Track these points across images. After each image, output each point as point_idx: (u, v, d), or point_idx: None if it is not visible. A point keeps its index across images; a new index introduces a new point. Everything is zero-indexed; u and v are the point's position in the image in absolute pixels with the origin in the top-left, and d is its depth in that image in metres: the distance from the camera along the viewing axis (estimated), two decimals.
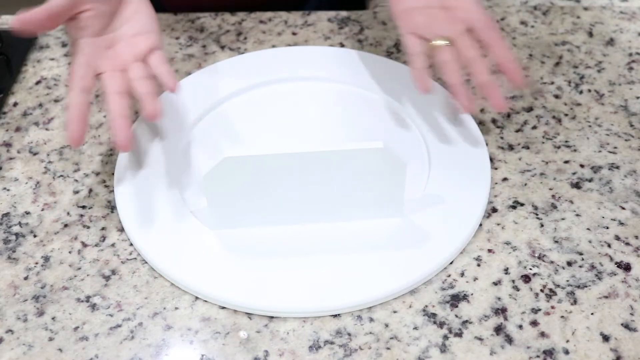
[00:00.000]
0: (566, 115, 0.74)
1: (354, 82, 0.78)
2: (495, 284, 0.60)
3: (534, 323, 0.57)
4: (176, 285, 0.60)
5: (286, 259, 0.61)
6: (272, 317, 0.58)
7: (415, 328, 0.57)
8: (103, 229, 0.65)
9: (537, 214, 0.65)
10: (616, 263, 0.61)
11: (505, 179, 0.68)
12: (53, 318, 0.59)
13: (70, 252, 0.63)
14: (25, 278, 0.62)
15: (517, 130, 0.73)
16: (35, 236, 0.65)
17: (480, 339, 0.57)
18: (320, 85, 0.78)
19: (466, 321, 0.58)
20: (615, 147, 0.71)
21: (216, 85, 0.77)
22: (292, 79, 0.78)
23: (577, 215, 0.65)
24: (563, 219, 0.65)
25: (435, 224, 0.63)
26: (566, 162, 0.70)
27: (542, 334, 0.57)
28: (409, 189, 0.63)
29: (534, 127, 0.73)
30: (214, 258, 0.61)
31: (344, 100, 0.76)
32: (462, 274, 0.61)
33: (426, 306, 0.59)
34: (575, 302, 0.59)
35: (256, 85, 0.77)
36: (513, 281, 0.60)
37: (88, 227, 0.65)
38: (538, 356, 0.55)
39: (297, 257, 0.61)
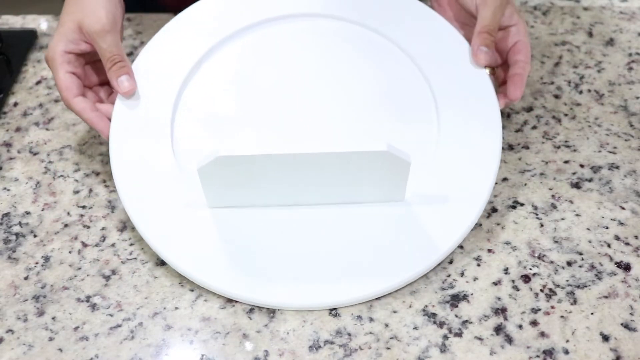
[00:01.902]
0: (566, 115, 0.74)
1: (364, 21, 0.72)
2: (495, 284, 0.60)
3: (534, 323, 0.58)
4: (174, 278, 0.60)
5: (285, 254, 0.61)
6: (272, 317, 0.58)
7: (415, 328, 0.57)
8: (103, 229, 0.65)
9: (537, 214, 0.65)
10: (616, 263, 0.61)
11: (505, 179, 0.68)
12: (53, 318, 0.59)
13: (70, 252, 0.63)
14: (26, 278, 0.62)
15: (517, 130, 0.73)
16: (35, 236, 0.65)
17: (480, 338, 0.57)
18: (325, 24, 0.72)
19: (466, 321, 0.58)
20: (615, 147, 0.71)
21: (200, 35, 0.71)
22: (288, 16, 0.72)
23: (577, 215, 0.65)
24: (563, 218, 0.65)
25: (435, 217, 0.62)
26: (566, 162, 0.70)
27: (542, 334, 0.57)
28: (412, 171, 0.61)
29: (534, 127, 0.73)
30: (213, 248, 0.61)
31: (354, 44, 0.71)
32: (462, 274, 0.61)
33: (426, 306, 0.59)
34: (575, 302, 0.59)
35: (244, 29, 0.72)
36: (513, 281, 0.60)
37: (88, 227, 0.65)
38: (538, 356, 0.55)
39: (296, 252, 0.61)
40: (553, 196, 0.67)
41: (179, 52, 0.70)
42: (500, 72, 0.70)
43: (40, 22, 0.87)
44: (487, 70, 0.68)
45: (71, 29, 0.67)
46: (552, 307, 0.58)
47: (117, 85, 0.66)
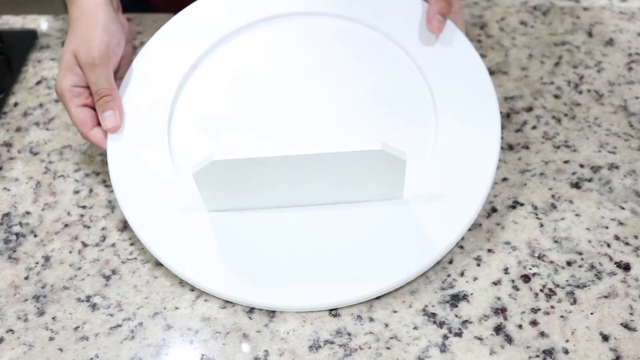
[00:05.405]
0: (566, 115, 0.74)
1: (364, 20, 0.71)
2: (495, 283, 0.60)
3: (534, 323, 0.58)
4: (174, 278, 0.60)
5: (282, 255, 0.61)
6: (272, 317, 0.58)
7: (415, 328, 0.57)
8: (103, 228, 0.65)
9: (536, 214, 0.65)
10: (616, 263, 0.61)
11: (505, 179, 0.68)
12: (53, 318, 0.59)
13: (70, 252, 0.63)
14: (26, 278, 0.62)
15: (517, 130, 0.73)
16: (35, 236, 0.65)
17: (480, 338, 0.57)
18: (321, 22, 0.71)
19: (466, 321, 0.58)
20: (615, 147, 0.71)
21: (196, 37, 0.71)
22: (284, 15, 0.71)
23: (577, 215, 0.65)
24: (563, 218, 0.65)
25: (434, 216, 0.62)
26: (566, 162, 0.70)
27: (542, 334, 0.57)
28: (410, 169, 0.61)
29: (534, 127, 0.73)
30: (211, 251, 0.61)
31: (351, 42, 0.70)
32: (462, 274, 0.61)
33: (426, 306, 0.59)
34: (574, 302, 0.59)
35: (239, 30, 0.71)
36: (513, 281, 0.60)
37: (88, 227, 0.65)
38: (538, 356, 0.56)
39: (294, 254, 0.61)
40: (553, 196, 0.67)
41: (174, 54, 0.70)
42: None
43: (41, 22, 0.87)
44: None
45: (70, 61, 0.66)
46: (552, 307, 0.59)
47: (102, 121, 0.66)
